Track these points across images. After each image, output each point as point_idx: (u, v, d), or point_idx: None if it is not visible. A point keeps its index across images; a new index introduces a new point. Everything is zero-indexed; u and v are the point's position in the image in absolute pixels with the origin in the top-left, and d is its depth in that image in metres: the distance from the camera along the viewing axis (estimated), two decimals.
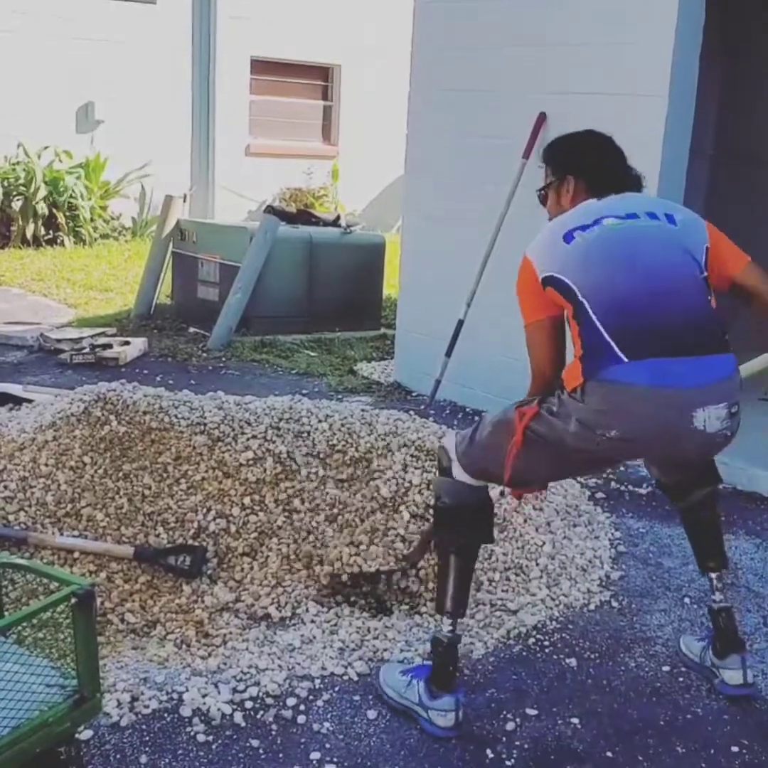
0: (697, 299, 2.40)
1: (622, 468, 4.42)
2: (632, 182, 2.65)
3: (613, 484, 4.26)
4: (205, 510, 3.34)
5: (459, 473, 2.58)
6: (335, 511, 3.33)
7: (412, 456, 3.55)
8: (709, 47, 4.53)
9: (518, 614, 3.08)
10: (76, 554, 3.12)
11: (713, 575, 2.79)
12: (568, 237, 2.44)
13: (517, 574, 3.26)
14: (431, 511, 2.88)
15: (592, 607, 3.20)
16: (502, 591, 3.19)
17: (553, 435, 2.37)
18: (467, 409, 5.14)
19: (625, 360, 2.27)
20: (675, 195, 4.51)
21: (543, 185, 2.77)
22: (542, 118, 4.76)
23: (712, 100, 6.01)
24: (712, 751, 2.52)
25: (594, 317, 2.32)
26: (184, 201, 7.78)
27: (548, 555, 3.38)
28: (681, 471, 2.77)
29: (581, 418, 2.31)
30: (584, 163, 2.67)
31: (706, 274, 2.43)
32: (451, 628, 2.58)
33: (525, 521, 3.49)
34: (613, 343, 2.28)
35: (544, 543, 3.43)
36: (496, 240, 4.82)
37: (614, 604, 3.25)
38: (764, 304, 2.54)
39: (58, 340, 6.07)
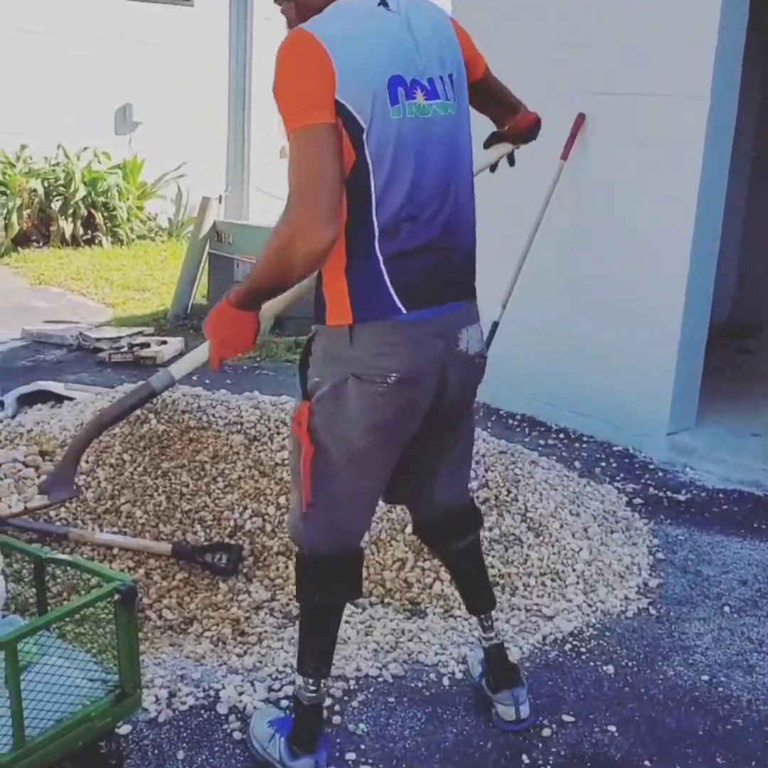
0: (471, 235, 2.22)
1: (660, 473, 4.39)
2: None
3: (651, 490, 4.22)
4: (241, 508, 3.36)
5: (312, 527, 2.23)
6: None
7: None
8: (750, 47, 4.48)
9: (554, 620, 3.06)
10: (115, 550, 3.15)
11: (483, 615, 2.57)
12: (392, 91, 1.98)
13: (552, 580, 3.24)
14: None
15: (629, 614, 3.17)
16: (538, 596, 3.18)
17: (337, 415, 2.08)
18: (501, 411, 5.11)
19: (404, 312, 2.04)
20: (717, 197, 4.47)
21: None
22: (581, 119, 4.73)
23: (753, 101, 5.96)
24: (753, 764, 2.49)
25: (376, 238, 2.00)
26: (220, 202, 7.81)
27: (585, 561, 3.35)
28: (445, 430, 2.32)
29: (357, 371, 2.05)
30: None
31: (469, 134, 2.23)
32: (313, 689, 2.29)
33: (561, 526, 3.47)
34: (393, 292, 2.03)
35: (580, 549, 3.40)
36: (532, 241, 4.80)
37: (652, 611, 3.21)
38: (499, 100, 2.54)
39: (97, 339, 6.12)
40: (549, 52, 4.80)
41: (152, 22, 11.28)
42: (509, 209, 4.99)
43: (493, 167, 2.84)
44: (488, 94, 2.50)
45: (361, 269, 2.04)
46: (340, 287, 2.07)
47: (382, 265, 2.03)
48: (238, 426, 3.63)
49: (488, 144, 2.78)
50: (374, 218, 2.01)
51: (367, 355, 2.06)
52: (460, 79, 2.18)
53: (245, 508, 3.36)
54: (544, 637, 2.98)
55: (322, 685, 2.33)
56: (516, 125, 2.67)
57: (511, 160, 2.82)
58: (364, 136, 1.95)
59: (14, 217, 9.68)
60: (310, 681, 2.30)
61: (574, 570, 3.30)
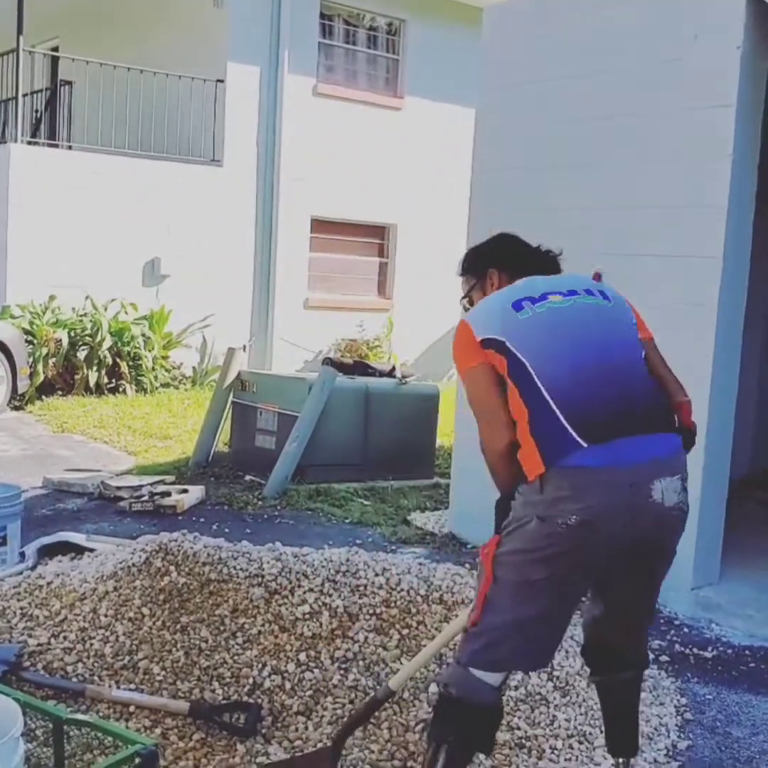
0: (645, 376, 2.47)
1: (685, 630, 4.30)
2: (552, 262, 2.72)
3: (677, 646, 4.13)
4: (260, 665, 3.31)
5: (475, 670, 2.38)
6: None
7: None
8: (761, 212, 4.66)
9: None
10: (132, 708, 3.09)
11: (621, 760, 2.69)
12: (517, 305, 2.45)
13: (580, 742, 3.14)
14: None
15: None
16: (565, 760, 3.07)
17: (516, 550, 2.30)
18: None
19: (584, 445, 2.27)
20: (732, 358, 4.55)
21: (465, 293, 2.79)
22: (597, 277, 4.87)
23: (766, 261, 6.13)
24: None
25: (546, 395, 2.31)
26: (244, 351, 8.00)
27: None
28: (634, 582, 2.53)
29: (542, 513, 2.26)
30: (503, 255, 2.74)
31: (644, 351, 2.52)
32: None
33: (589, 685, 3.39)
34: (570, 429, 2.28)
35: None
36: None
37: None
38: (659, 375, 2.58)
39: (118, 488, 6.17)
40: (566, 213, 4.99)
41: (182, 180, 11.82)
42: None
43: None
44: (651, 365, 2.63)
45: (542, 421, 2.32)
46: (529, 449, 2.33)
47: (555, 410, 2.31)
48: (259, 579, 3.62)
49: None
50: (538, 381, 2.34)
51: (551, 498, 2.27)
52: (616, 296, 2.58)
53: (264, 665, 3.30)
54: None
55: None
56: (679, 416, 2.62)
57: None
58: (506, 342, 2.38)
59: (40, 366, 9.91)
60: None
61: (601, 732, 3.19)
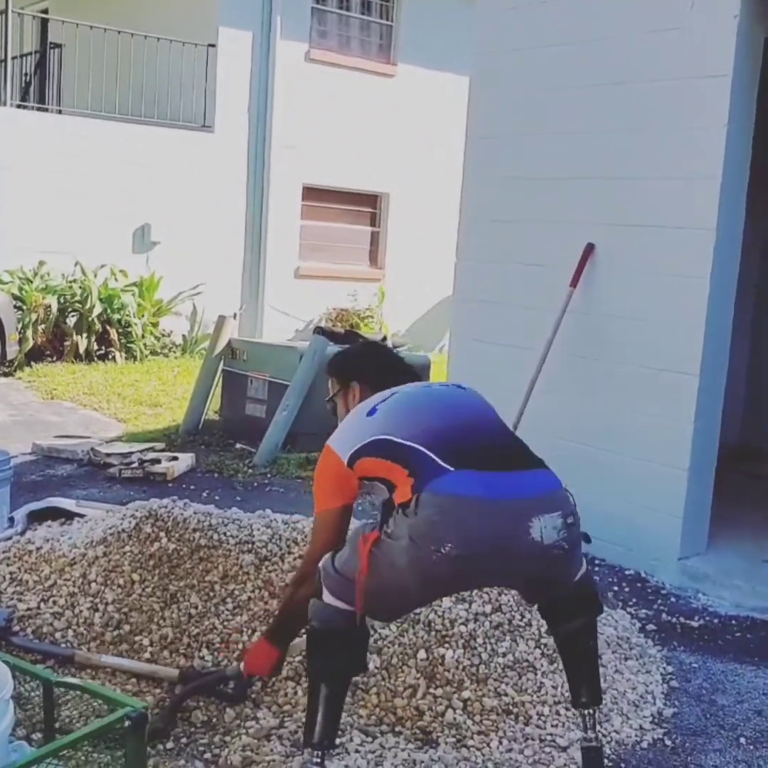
0: (503, 427, 2.62)
1: (672, 599, 4.34)
2: (411, 377, 2.85)
3: (664, 616, 4.16)
4: (250, 631, 3.32)
5: (328, 596, 2.53)
6: (379, 644, 3.27)
7: None
8: (754, 183, 4.64)
9: (568, 751, 2.98)
10: (119, 676, 3.09)
11: (586, 711, 2.70)
12: (371, 412, 2.59)
13: (567, 709, 3.17)
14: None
15: (644, 745, 3.09)
16: (552, 726, 3.10)
17: (392, 560, 2.36)
18: None
19: (451, 470, 2.33)
20: (724, 325, 4.56)
21: (330, 396, 2.99)
22: (590, 248, 4.86)
23: (757, 232, 6.12)
24: None
25: (409, 443, 2.41)
26: (235, 319, 7.97)
27: None
28: (541, 593, 2.63)
29: (414, 534, 2.30)
30: (363, 368, 2.92)
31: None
32: (318, 761, 2.50)
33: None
34: (435, 458, 2.36)
35: None
36: (542, 366, 4.87)
37: (668, 742, 3.13)
38: None
39: (108, 455, 6.15)
40: (559, 184, 4.97)
41: (172, 146, 11.71)
42: (520, 334, 5.10)
43: None
44: None
45: (409, 459, 2.42)
46: (405, 488, 2.41)
47: (418, 446, 2.41)
48: (249, 545, 3.63)
49: None
50: (407, 444, 2.45)
51: (422, 521, 2.30)
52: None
53: (254, 630, 3.31)
54: None
55: (326, 758, 2.51)
56: None
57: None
58: (363, 441, 2.52)
59: (29, 332, 9.86)
60: (316, 753, 2.48)
61: None
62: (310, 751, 2.52)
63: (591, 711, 2.70)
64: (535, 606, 2.89)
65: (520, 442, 2.60)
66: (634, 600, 4.30)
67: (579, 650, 2.71)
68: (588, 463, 4.84)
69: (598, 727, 2.75)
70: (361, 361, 3.00)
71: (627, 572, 4.62)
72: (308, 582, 2.59)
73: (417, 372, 2.95)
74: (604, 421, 4.82)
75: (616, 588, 4.43)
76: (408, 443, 2.42)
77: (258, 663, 2.82)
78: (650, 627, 4.02)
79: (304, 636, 2.66)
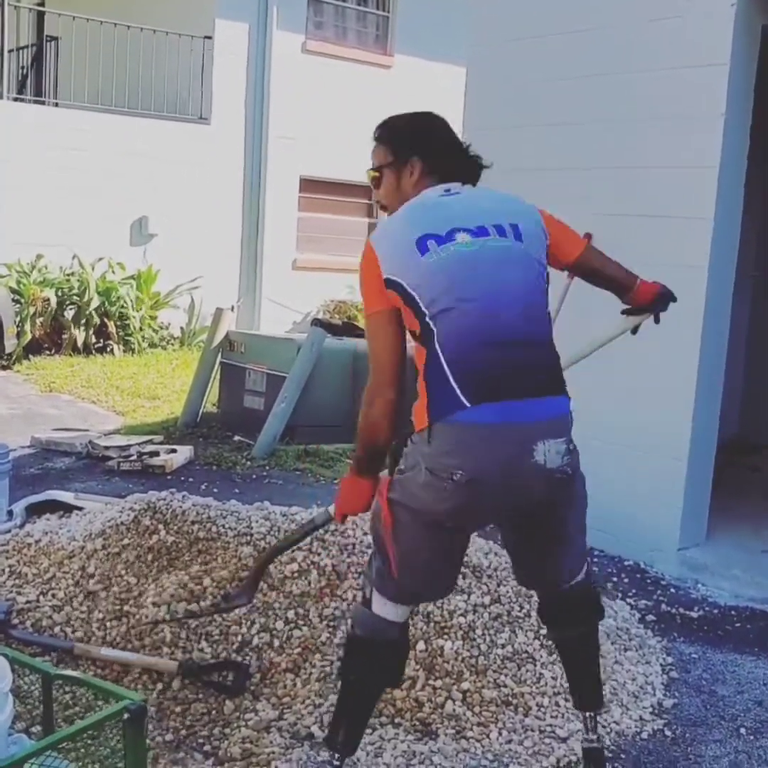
0: (542, 333, 2.40)
1: (672, 590, 4.34)
2: (471, 166, 2.57)
3: (663, 606, 4.16)
4: (249, 623, 3.32)
5: (379, 607, 2.47)
6: None
7: None
8: (751, 173, 4.63)
9: (568, 742, 2.98)
10: (118, 669, 3.09)
11: (588, 714, 2.70)
12: (421, 245, 2.33)
13: (566, 700, 3.17)
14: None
15: (644, 736, 3.10)
16: (552, 717, 3.10)
17: (411, 496, 2.33)
18: None
19: (468, 405, 2.25)
20: (721, 315, 4.55)
21: (378, 165, 2.58)
22: (587, 238, 4.84)
23: (754, 223, 6.11)
24: None
25: (439, 350, 2.28)
26: (232, 311, 7.96)
27: None
28: (543, 526, 2.52)
29: (429, 465, 2.28)
30: (431, 146, 2.53)
31: (547, 276, 2.45)
32: (337, 765, 2.52)
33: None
34: (456, 388, 2.26)
35: None
36: None
37: (667, 733, 3.13)
38: (607, 278, 2.72)
39: (106, 448, 6.15)
40: (557, 174, 4.96)
41: (169, 138, 11.69)
42: None
43: (633, 331, 2.97)
44: (594, 272, 2.71)
45: (434, 377, 2.30)
46: (422, 401, 2.33)
47: (445, 367, 2.27)
48: (248, 537, 3.62)
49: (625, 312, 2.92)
50: (435, 335, 2.29)
51: (437, 452, 2.28)
52: (531, 230, 2.44)
53: (253, 622, 3.31)
54: (558, 760, 2.90)
55: (345, 765, 2.53)
56: (637, 298, 2.80)
57: (634, 329, 2.95)
58: (406, 285, 2.31)
59: (27, 325, 9.85)
60: (337, 757, 2.52)
61: None
62: (330, 752, 2.55)
63: (592, 713, 2.70)
64: (536, 611, 2.86)
65: (550, 359, 2.42)
66: (633, 591, 4.30)
67: (580, 655, 2.72)
68: (587, 454, 4.78)
69: (599, 730, 2.76)
70: (430, 134, 2.58)
71: (626, 563, 4.62)
72: (378, 398, 2.36)
73: (478, 160, 2.58)
74: (604, 412, 4.80)
75: (615, 579, 4.43)
76: (437, 348, 2.28)
77: (350, 500, 2.53)
78: (650, 618, 4.02)
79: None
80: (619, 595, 4.22)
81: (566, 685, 3.21)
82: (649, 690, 3.37)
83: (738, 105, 4.38)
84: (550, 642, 3.38)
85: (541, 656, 3.33)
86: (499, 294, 2.33)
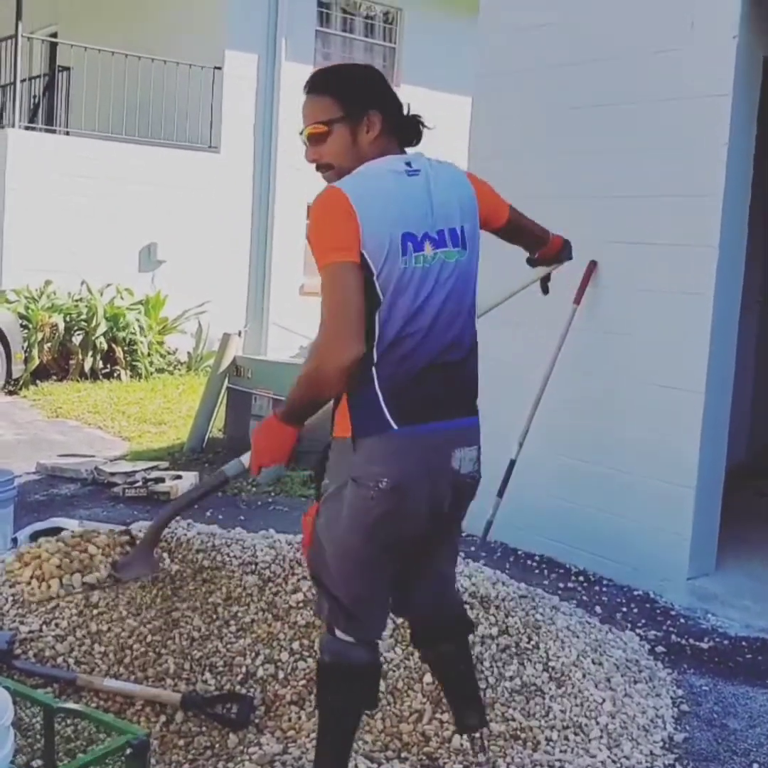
0: (471, 338, 2.45)
1: (681, 620, 4.29)
2: (417, 126, 2.48)
3: (673, 637, 4.11)
4: (253, 654, 3.28)
5: (342, 631, 2.43)
6: (385, 668, 3.22)
7: (465, 604, 3.47)
8: (755, 200, 4.63)
9: None
10: (121, 701, 3.05)
11: (474, 734, 2.68)
12: (404, 244, 2.24)
13: (576, 734, 3.12)
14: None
15: None
16: (561, 751, 3.05)
17: (338, 511, 2.31)
18: (519, 552, 5.04)
19: (394, 427, 2.27)
20: (728, 342, 4.53)
21: (327, 119, 2.28)
22: (593, 265, 4.84)
23: (759, 249, 6.11)
24: None
25: (374, 371, 2.25)
26: (240, 336, 7.97)
27: (608, 713, 3.23)
28: (440, 529, 2.49)
29: (355, 475, 2.28)
30: (388, 100, 2.35)
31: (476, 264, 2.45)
32: None
33: (584, 676, 3.37)
34: (386, 411, 2.26)
35: (604, 700, 3.27)
36: (547, 382, 4.85)
37: None
38: (529, 234, 2.90)
39: (112, 474, 6.14)
40: (562, 202, 4.96)
41: (179, 167, 11.76)
42: (526, 350, 5.07)
43: (543, 287, 3.25)
44: (516, 231, 2.82)
45: (361, 391, 2.27)
46: (345, 412, 2.31)
47: (377, 388, 2.26)
48: (253, 566, 3.59)
49: (532, 264, 3.14)
50: (374, 346, 2.26)
51: (362, 459, 2.28)
52: (473, 229, 2.46)
53: (257, 653, 3.27)
54: None
55: None
56: (547, 250, 3.05)
57: (545, 288, 3.21)
58: (374, 278, 2.23)
59: (35, 351, 9.87)
60: None
61: (597, 723, 3.18)
62: None
63: (479, 734, 2.67)
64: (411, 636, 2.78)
65: (474, 374, 2.49)
66: (642, 621, 4.25)
67: (457, 671, 2.69)
68: (594, 482, 4.80)
69: (488, 753, 2.73)
70: (385, 86, 2.38)
71: (635, 592, 4.57)
72: (341, 352, 2.14)
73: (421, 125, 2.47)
74: (610, 439, 4.78)
75: (624, 609, 4.38)
76: (373, 371, 2.24)
77: (271, 448, 2.31)
78: (659, 649, 3.96)
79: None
80: (629, 625, 4.17)
81: (577, 718, 3.17)
82: (659, 723, 3.31)
83: (741, 134, 4.40)
84: (559, 674, 3.33)
85: (551, 689, 3.28)
86: (442, 325, 2.34)
